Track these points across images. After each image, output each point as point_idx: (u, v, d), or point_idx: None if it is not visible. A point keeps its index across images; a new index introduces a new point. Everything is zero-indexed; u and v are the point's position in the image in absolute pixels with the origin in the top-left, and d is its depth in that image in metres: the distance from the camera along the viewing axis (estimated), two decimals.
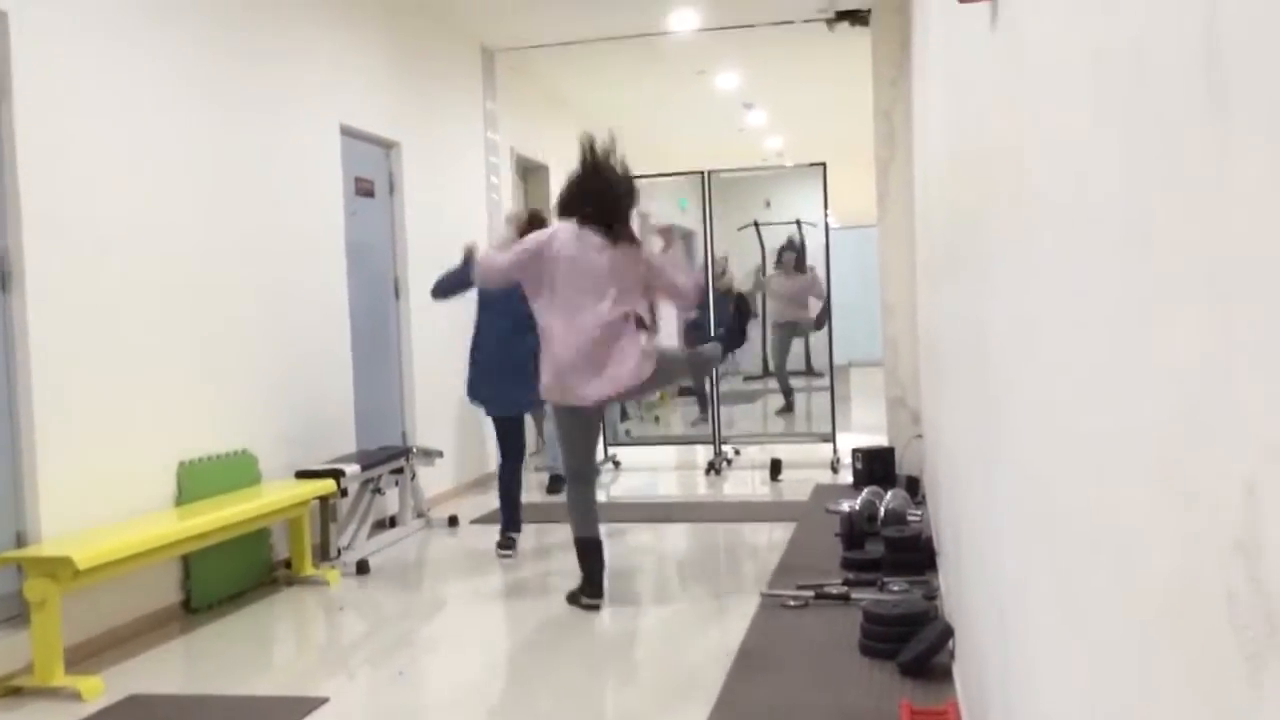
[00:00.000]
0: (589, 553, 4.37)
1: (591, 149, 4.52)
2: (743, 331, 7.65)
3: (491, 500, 6.89)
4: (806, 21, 7.56)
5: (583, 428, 4.43)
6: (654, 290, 4.53)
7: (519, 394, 5.28)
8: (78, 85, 3.97)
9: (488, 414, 5.72)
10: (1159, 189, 0.77)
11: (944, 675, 3.21)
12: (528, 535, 5.78)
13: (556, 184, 8.43)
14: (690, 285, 4.61)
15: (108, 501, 4.02)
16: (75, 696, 3.43)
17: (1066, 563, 1.16)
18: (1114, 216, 0.91)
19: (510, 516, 5.45)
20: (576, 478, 4.48)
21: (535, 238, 4.42)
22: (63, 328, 3.85)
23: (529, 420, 6.06)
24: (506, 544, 5.37)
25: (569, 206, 4.44)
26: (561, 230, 4.38)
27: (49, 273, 3.79)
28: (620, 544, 5.72)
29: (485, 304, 5.46)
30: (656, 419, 10.19)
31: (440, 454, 6.26)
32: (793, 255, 8.94)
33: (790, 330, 9.17)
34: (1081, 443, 1.07)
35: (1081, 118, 1.04)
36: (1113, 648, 0.95)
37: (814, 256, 8.58)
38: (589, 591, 4.33)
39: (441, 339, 6.95)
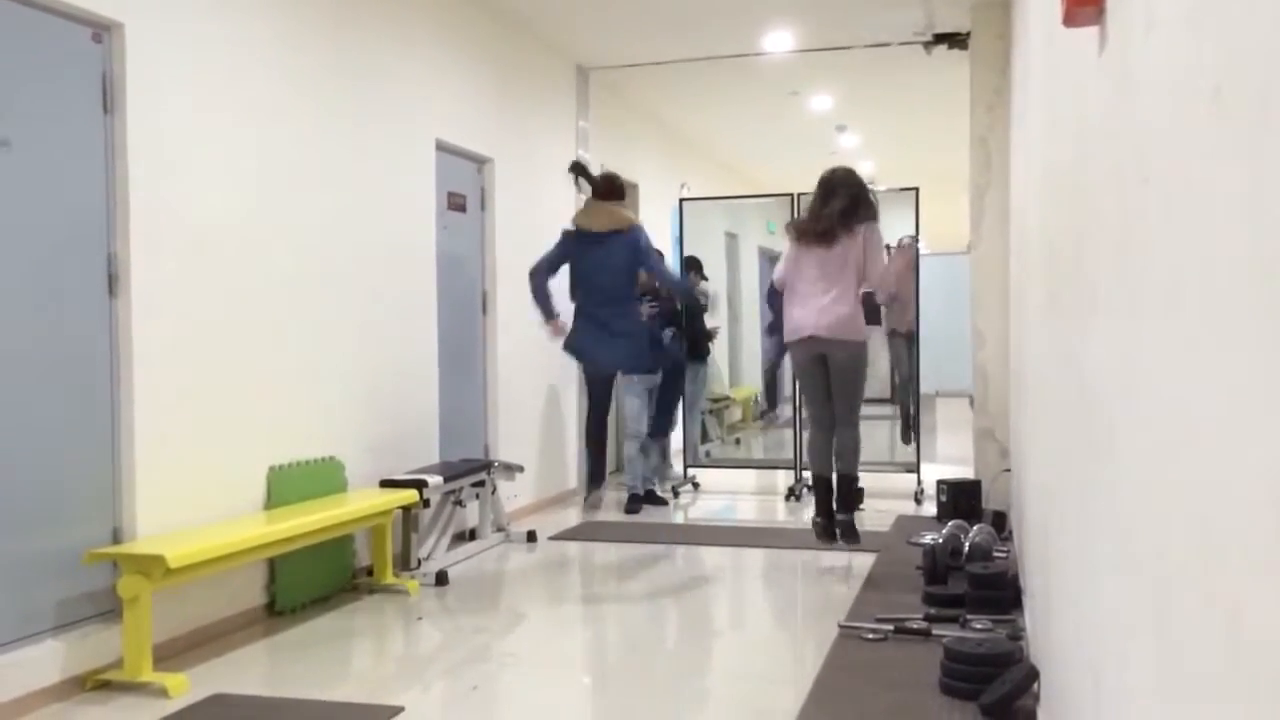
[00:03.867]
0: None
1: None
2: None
3: (571, 518, 6.93)
4: (903, 44, 7.48)
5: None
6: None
7: (612, 356, 5.69)
8: (185, 96, 4.11)
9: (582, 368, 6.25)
10: None
11: (1027, 719, 3.11)
12: (607, 553, 5.78)
13: (646, 202, 8.55)
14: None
15: (200, 502, 4.12)
16: (162, 693, 3.52)
17: (1171, 620, 1.11)
18: (1231, 258, 0.87)
19: (594, 468, 5.76)
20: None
21: None
22: (164, 332, 3.97)
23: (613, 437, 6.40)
24: (594, 502, 5.66)
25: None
26: None
27: (153, 278, 3.92)
28: (698, 568, 5.68)
29: (578, 282, 5.78)
30: (737, 441, 10.13)
31: (521, 469, 6.31)
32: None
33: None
34: (1190, 493, 1.02)
35: (1198, 153, 1.00)
36: (1219, 716, 0.90)
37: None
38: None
39: (525, 355, 7.01)
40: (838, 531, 5.17)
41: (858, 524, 5.21)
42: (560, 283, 6.05)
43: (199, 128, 4.17)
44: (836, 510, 5.18)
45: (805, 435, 5.56)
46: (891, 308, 8.30)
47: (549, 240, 7.46)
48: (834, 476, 5.15)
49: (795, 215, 7.80)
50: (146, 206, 3.89)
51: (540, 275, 5.84)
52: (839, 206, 5.09)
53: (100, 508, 3.78)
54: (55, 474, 3.61)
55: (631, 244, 5.58)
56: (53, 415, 3.60)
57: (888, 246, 5.87)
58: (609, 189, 5.90)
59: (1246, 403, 0.82)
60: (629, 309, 5.70)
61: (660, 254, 6.18)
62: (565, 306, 5.98)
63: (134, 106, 3.84)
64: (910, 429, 8.27)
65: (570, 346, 5.88)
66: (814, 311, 5.03)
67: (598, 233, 5.62)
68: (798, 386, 5.57)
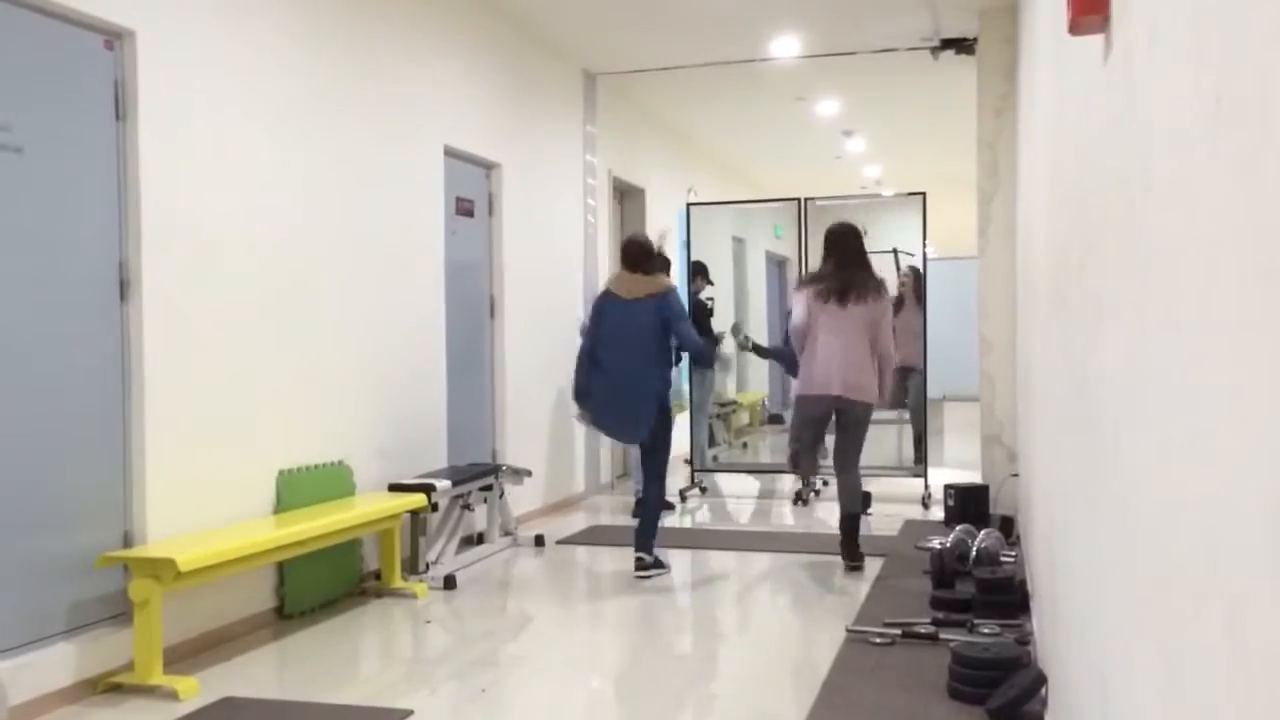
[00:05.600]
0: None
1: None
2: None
3: (577, 522, 6.94)
4: (910, 49, 7.49)
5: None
6: None
7: (633, 430, 5.54)
8: (196, 103, 4.14)
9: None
10: None
11: None
12: (614, 557, 5.79)
13: (652, 206, 8.59)
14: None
15: (210, 507, 4.15)
16: (172, 695, 3.54)
17: (1176, 625, 1.12)
18: (1234, 266, 0.88)
19: (643, 540, 5.48)
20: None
21: None
22: (174, 337, 3.99)
23: (612, 443, 6.22)
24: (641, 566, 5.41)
25: None
26: None
27: (163, 284, 3.95)
28: (705, 572, 5.69)
29: (602, 340, 5.54)
30: (744, 445, 10.13)
31: (529, 473, 6.32)
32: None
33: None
34: (1194, 498, 1.03)
35: (1200, 162, 1.01)
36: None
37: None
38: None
39: (533, 360, 7.03)
40: (846, 567, 5.50)
41: (863, 530, 5.25)
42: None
43: (210, 134, 4.20)
44: (843, 550, 5.53)
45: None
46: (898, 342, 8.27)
47: (556, 244, 7.45)
48: (840, 516, 5.60)
49: (805, 269, 7.80)
50: (158, 212, 3.92)
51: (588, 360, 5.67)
52: (857, 272, 5.58)
53: (111, 511, 3.80)
54: (67, 478, 3.63)
55: (664, 304, 5.43)
56: (65, 420, 3.62)
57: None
58: (640, 254, 5.69)
59: (1250, 408, 0.83)
60: (650, 379, 5.43)
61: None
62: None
63: (146, 113, 3.87)
64: (920, 457, 8.26)
65: (590, 420, 5.74)
66: (840, 371, 5.49)
67: (635, 300, 5.48)
68: (796, 424, 5.82)
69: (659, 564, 5.42)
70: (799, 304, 5.66)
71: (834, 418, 5.62)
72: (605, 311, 5.51)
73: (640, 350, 5.39)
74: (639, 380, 5.40)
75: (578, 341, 6.23)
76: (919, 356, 7.86)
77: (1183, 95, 1.10)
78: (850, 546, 5.51)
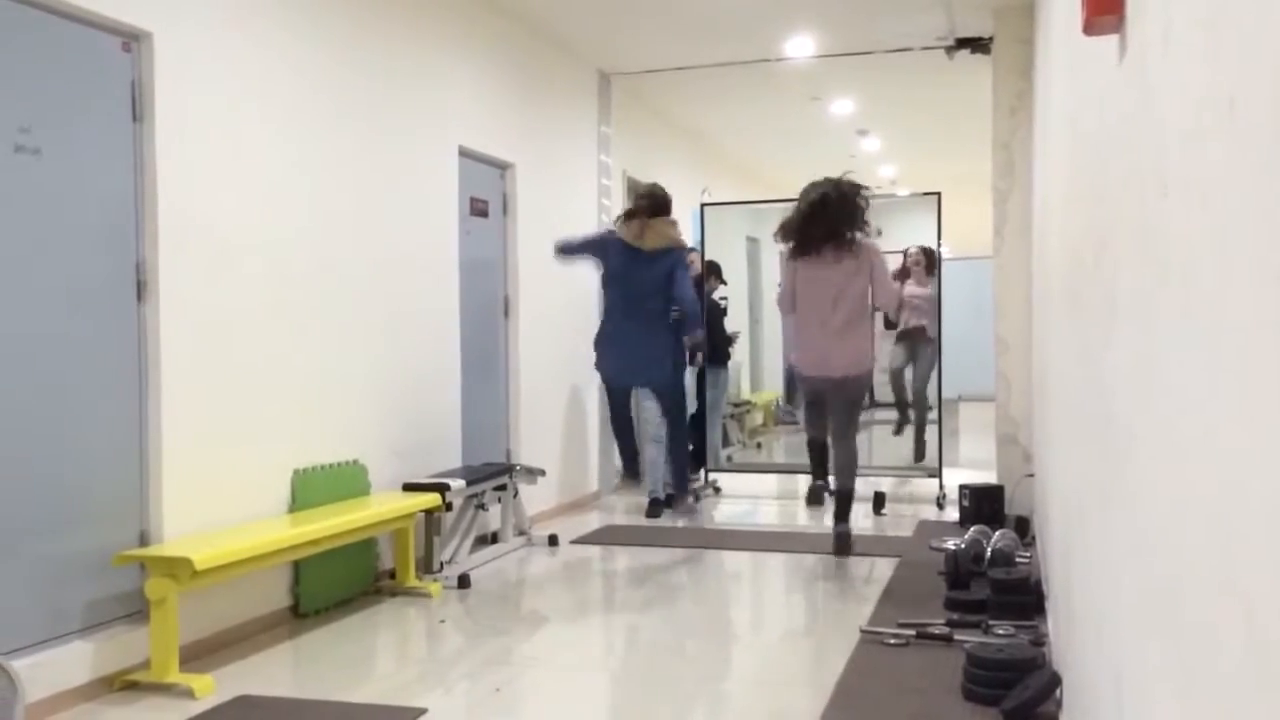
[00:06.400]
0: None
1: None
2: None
3: (591, 521, 6.95)
4: (925, 49, 7.47)
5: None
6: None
7: (644, 376, 5.86)
8: (212, 104, 4.16)
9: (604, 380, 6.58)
10: None
11: None
12: (628, 557, 5.79)
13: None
14: None
15: (225, 506, 4.17)
16: (188, 694, 3.56)
17: (1191, 625, 1.12)
18: (1248, 268, 0.88)
19: (627, 455, 5.87)
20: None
21: None
22: (191, 337, 4.02)
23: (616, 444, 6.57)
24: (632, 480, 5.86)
25: None
26: None
27: (179, 284, 3.97)
28: (718, 572, 5.69)
29: (617, 298, 5.86)
30: (758, 446, 10.12)
31: (543, 473, 6.33)
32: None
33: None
34: (1208, 497, 1.03)
35: (1215, 163, 1.01)
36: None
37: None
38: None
39: (547, 359, 7.04)
40: (833, 542, 5.62)
41: (877, 530, 5.24)
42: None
43: (226, 135, 4.22)
44: (835, 519, 5.68)
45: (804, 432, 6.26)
46: (915, 307, 8.31)
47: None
48: (832, 482, 5.78)
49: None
50: (174, 213, 3.94)
51: (563, 253, 5.93)
52: (830, 227, 5.60)
53: (128, 510, 3.83)
54: (84, 477, 3.66)
55: (675, 267, 5.64)
56: (82, 419, 3.65)
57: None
58: (657, 205, 5.88)
59: (1264, 408, 0.83)
60: (660, 330, 5.76)
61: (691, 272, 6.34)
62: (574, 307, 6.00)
63: (162, 114, 3.89)
64: (916, 437, 8.26)
65: (600, 368, 6.00)
66: (834, 350, 5.62)
67: (647, 250, 5.60)
68: (803, 403, 6.04)
69: (672, 501, 5.75)
70: (784, 274, 5.82)
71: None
72: (620, 267, 5.68)
73: (657, 309, 5.64)
74: (655, 336, 5.65)
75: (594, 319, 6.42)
76: (931, 326, 7.99)
77: (1197, 96, 1.09)
78: (843, 525, 5.59)
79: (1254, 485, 0.85)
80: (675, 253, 5.76)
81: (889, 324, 8.56)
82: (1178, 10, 1.20)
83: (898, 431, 8.70)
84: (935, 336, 7.96)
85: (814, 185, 5.74)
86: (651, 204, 5.91)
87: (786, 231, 5.74)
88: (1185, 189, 1.16)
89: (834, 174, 5.84)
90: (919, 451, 8.14)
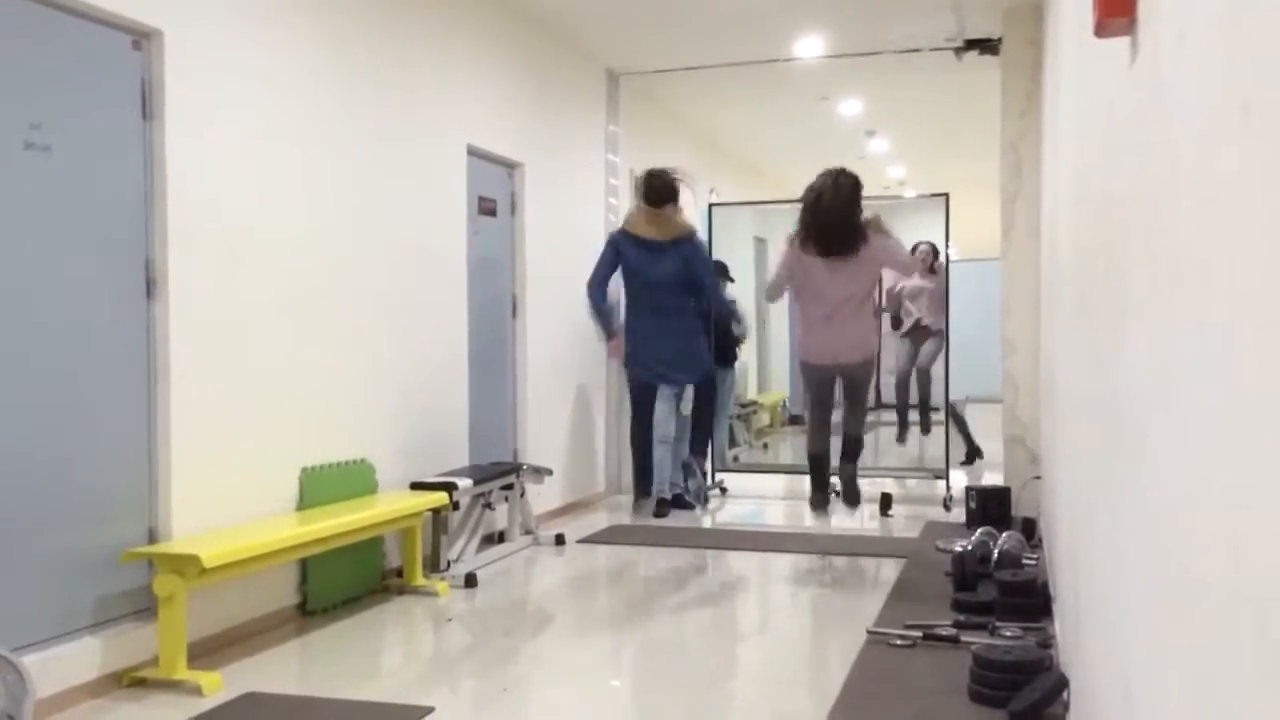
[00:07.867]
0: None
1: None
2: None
3: (598, 521, 6.95)
4: (934, 50, 7.46)
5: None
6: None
7: (682, 374, 5.93)
8: (222, 103, 4.17)
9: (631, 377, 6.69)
10: None
11: None
12: (635, 556, 5.79)
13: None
14: None
15: (233, 503, 4.18)
16: (196, 691, 3.57)
17: (1201, 627, 1.12)
18: (1260, 270, 0.88)
19: (645, 486, 5.96)
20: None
21: None
22: (199, 334, 4.03)
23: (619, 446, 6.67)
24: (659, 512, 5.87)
25: None
26: None
27: (189, 282, 3.98)
28: (725, 572, 5.69)
29: (639, 295, 5.95)
30: (765, 446, 10.12)
31: (550, 472, 6.34)
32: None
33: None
34: (1219, 499, 1.03)
35: (1228, 166, 1.00)
36: None
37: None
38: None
39: (555, 359, 7.05)
40: (839, 494, 6.01)
41: (883, 531, 5.24)
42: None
43: (236, 134, 4.23)
44: (841, 458, 6.06)
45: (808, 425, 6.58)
46: (918, 300, 8.44)
47: (578, 243, 7.46)
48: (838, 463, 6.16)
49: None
50: (184, 211, 3.95)
51: (598, 288, 5.81)
52: (838, 223, 5.92)
53: (137, 507, 3.84)
54: (93, 474, 3.67)
55: (692, 254, 5.64)
56: (90, 417, 3.66)
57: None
58: (665, 192, 5.85)
59: (1276, 411, 0.83)
60: (691, 321, 5.79)
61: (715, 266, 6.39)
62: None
63: (172, 113, 3.90)
64: (925, 423, 8.40)
65: (633, 367, 6.00)
66: (840, 340, 5.79)
67: (660, 241, 5.56)
68: (809, 393, 6.20)
69: (679, 501, 5.80)
70: (782, 263, 5.90)
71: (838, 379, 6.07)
72: (636, 263, 5.66)
73: (681, 303, 5.66)
74: (684, 331, 5.69)
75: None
76: (936, 321, 8.09)
77: (1211, 99, 1.09)
78: (849, 463, 5.94)
79: (1270, 489, 0.85)
80: (687, 241, 5.76)
81: (895, 323, 8.62)
82: (1192, 13, 1.20)
83: (901, 439, 8.74)
84: (942, 328, 8.04)
85: (813, 186, 5.90)
86: (652, 194, 5.90)
87: (805, 231, 5.91)
88: (1197, 193, 1.16)
89: (833, 169, 6.05)
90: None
